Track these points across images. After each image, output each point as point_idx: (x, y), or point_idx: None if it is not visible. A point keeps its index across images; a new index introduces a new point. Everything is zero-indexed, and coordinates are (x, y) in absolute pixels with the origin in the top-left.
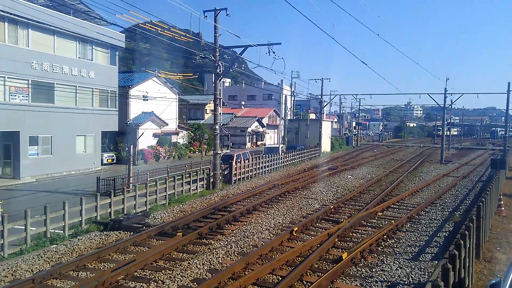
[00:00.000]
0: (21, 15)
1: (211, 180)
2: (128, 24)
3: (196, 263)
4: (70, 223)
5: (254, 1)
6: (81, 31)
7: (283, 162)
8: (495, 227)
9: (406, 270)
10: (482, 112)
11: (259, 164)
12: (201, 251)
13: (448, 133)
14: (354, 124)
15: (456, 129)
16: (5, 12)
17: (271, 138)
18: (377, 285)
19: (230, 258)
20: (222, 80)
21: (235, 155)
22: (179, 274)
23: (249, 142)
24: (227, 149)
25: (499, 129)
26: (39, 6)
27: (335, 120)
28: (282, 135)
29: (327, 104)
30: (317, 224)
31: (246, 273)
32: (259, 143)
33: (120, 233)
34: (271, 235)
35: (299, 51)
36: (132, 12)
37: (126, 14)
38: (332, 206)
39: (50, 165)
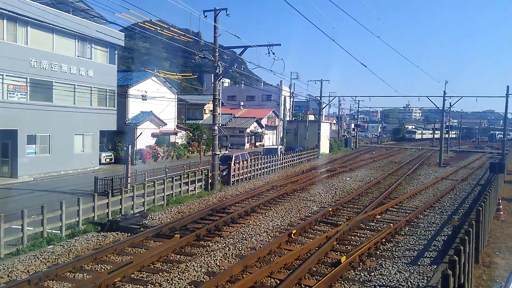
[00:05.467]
0: (20, 13)
1: (210, 181)
2: (128, 23)
3: (193, 265)
4: (67, 223)
5: (254, 1)
6: (80, 30)
7: (282, 164)
8: (494, 231)
9: (405, 275)
10: (481, 115)
11: (257, 165)
12: (198, 253)
13: (447, 135)
14: (353, 125)
15: (454, 132)
16: (4, 10)
17: (269, 139)
18: None
19: (228, 260)
20: (221, 80)
21: (233, 156)
22: (177, 276)
23: (248, 143)
24: (226, 150)
25: (497, 132)
26: (38, 3)
27: (334, 121)
28: (281, 136)
29: (326, 106)
30: (316, 227)
31: (244, 276)
32: (258, 144)
33: (117, 234)
34: (269, 237)
35: (299, 52)
36: (131, 11)
37: (125, 13)
38: (330, 209)
39: (48, 164)
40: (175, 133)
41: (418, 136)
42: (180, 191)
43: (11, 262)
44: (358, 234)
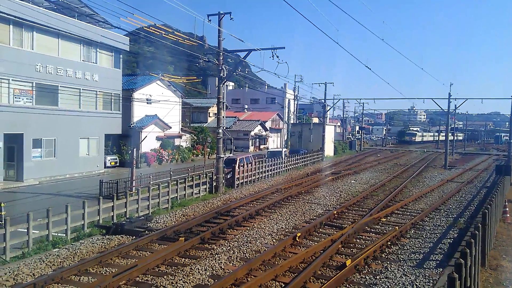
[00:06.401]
0: (26, 18)
1: (214, 184)
2: (132, 27)
3: (198, 268)
4: (73, 227)
5: (258, 5)
6: (85, 34)
7: (286, 166)
8: (500, 234)
9: (410, 278)
10: (486, 117)
11: (262, 168)
12: (203, 256)
13: (452, 137)
14: (357, 128)
15: (459, 134)
16: (11, 15)
17: (274, 142)
18: None
19: (233, 263)
20: (225, 83)
21: (238, 158)
22: (181, 279)
23: (252, 145)
24: (230, 153)
25: (503, 134)
26: (44, 9)
27: (338, 124)
28: (285, 139)
29: (330, 108)
30: (320, 230)
31: (249, 279)
32: (262, 146)
33: (122, 237)
34: (274, 240)
35: (303, 55)
36: (136, 16)
37: (130, 18)
38: (335, 212)
39: (53, 167)
40: (180, 136)
41: (418, 139)
42: (185, 194)
43: (17, 265)
44: (363, 237)
